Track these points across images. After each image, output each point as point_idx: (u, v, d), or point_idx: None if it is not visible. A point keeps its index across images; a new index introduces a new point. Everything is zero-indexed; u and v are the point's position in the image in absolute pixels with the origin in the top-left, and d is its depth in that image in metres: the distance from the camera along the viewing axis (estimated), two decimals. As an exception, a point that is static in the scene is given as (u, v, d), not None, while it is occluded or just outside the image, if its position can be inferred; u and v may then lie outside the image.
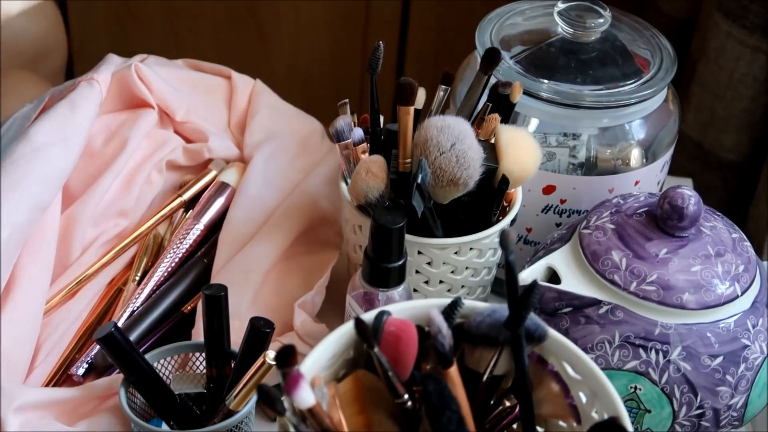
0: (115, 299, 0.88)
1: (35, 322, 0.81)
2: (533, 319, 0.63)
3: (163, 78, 0.97)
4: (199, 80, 1.02)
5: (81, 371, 0.81)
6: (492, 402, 0.66)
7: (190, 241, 0.91)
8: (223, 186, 0.95)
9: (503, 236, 0.60)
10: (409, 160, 0.82)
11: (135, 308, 0.86)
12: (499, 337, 0.62)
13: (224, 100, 1.02)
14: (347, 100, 0.85)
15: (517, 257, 0.60)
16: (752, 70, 1.28)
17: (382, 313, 0.62)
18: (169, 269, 0.89)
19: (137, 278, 0.89)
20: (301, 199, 0.94)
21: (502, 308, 0.63)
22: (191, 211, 0.94)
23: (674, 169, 1.01)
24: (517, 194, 0.84)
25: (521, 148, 0.80)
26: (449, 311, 0.64)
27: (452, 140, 0.76)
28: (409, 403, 0.61)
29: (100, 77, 0.93)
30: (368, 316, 0.63)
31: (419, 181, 0.75)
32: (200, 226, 0.92)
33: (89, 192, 0.90)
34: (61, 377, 0.81)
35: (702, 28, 1.39)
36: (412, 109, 0.80)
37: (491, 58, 0.83)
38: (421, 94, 0.85)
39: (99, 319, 0.86)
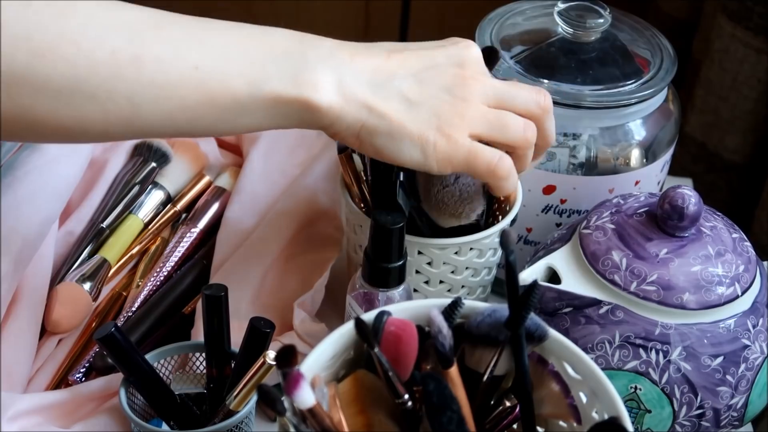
0: (115, 304, 0.88)
1: (35, 333, 0.81)
2: (533, 319, 0.63)
3: None
4: None
5: (79, 376, 0.81)
6: (492, 402, 0.66)
7: (186, 245, 0.91)
8: (219, 190, 0.95)
9: (503, 236, 0.60)
10: None
11: (131, 313, 0.86)
12: (500, 337, 0.62)
13: None
14: None
15: (517, 257, 0.60)
16: (756, 71, 1.28)
17: (382, 313, 0.62)
18: (166, 274, 0.89)
19: (140, 283, 0.89)
20: (300, 194, 0.94)
21: (502, 308, 0.63)
22: (187, 216, 0.94)
23: (678, 171, 1.01)
24: (517, 194, 0.84)
25: None
26: (449, 311, 0.64)
27: (456, 173, 0.76)
28: (410, 403, 0.61)
29: None
30: (368, 316, 0.63)
31: (401, 178, 0.75)
32: (196, 230, 0.92)
33: (86, 202, 0.90)
34: (61, 384, 0.81)
35: (706, 29, 1.39)
36: None
37: (489, 57, 0.82)
38: None
39: (99, 325, 0.86)
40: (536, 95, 0.73)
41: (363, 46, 0.70)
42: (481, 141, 0.70)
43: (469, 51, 0.72)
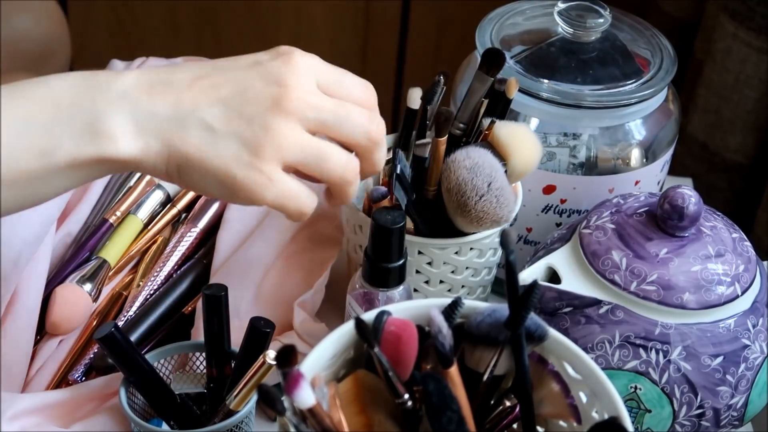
0: (115, 304, 0.88)
1: (31, 333, 0.81)
2: (533, 318, 0.63)
3: None
4: None
5: (78, 375, 0.81)
6: (492, 402, 0.66)
7: (186, 245, 0.91)
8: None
9: (504, 236, 0.60)
10: (434, 188, 0.81)
11: (131, 314, 0.86)
12: (500, 337, 0.62)
13: None
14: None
15: (517, 257, 0.60)
16: (758, 71, 1.28)
17: (382, 313, 0.62)
18: (166, 274, 0.89)
19: (140, 284, 0.89)
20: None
21: (502, 308, 0.63)
22: (187, 216, 0.94)
23: (680, 171, 1.01)
24: (518, 193, 0.84)
25: (521, 143, 0.80)
26: (449, 311, 0.64)
27: (487, 180, 0.75)
28: (409, 403, 0.61)
29: None
30: (368, 316, 0.63)
31: (398, 171, 0.74)
32: (196, 230, 0.92)
33: (82, 203, 0.90)
34: (61, 383, 0.81)
35: (708, 29, 1.39)
36: (445, 139, 0.79)
37: (495, 59, 0.82)
38: (417, 95, 0.84)
39: (99, 325, 0.86)
40: (368, 123, 0.66)
41: (165, 75, 0.64)
42: (296, 172, 0.65)
43: (290, 66, 0.65)
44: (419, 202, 0.81)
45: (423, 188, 0.80)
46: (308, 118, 0.64)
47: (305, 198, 0.65)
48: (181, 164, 0.63)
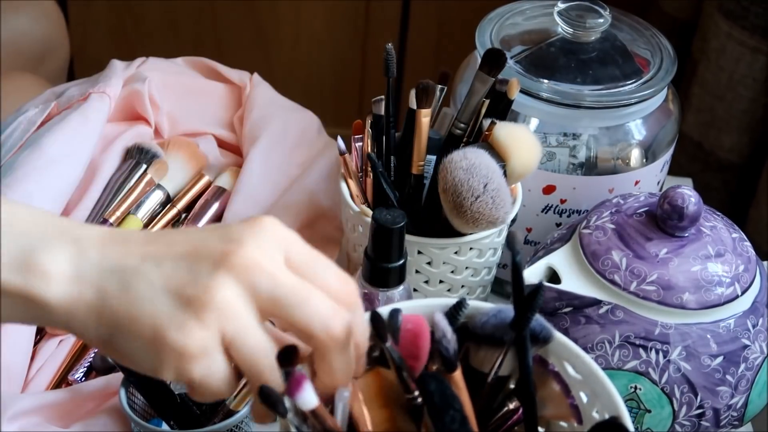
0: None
1: (31, 331, 0.81)
2: (539, 320, 0.63)
3: (165, 93, 0.98)
4: (193, 84, 1.02)
5: (78, 376, 0.81)
6: (495, 405, 0.66)
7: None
8: (219, 190, 0.95)
9: (510, 237, 0.60)
10: (422, 163, 0.81)
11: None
12: (504, 337, 0.62)
13: (220, 101, 1.02)
14: (381, 97, 0.83)
15: (523, 258, 0.60)
16: (752, 71, 1.28)
17: (396, 311, 0.62)
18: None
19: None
20: (300, 194, 0.94)
21: (507, 309, 0.63)
22: (187, 216, 0.94)
23: (674, 170, 1.01)
24: (518, 193, 0.84)
25: (521, 144, 0.80)
26: (454, 312, 0.63)
27: (483, 180, 0.75)
28: (420, 399, 0.61)
29: (111, 91, 0.93)
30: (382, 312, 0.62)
31: (381, 168, 0.74)
32: (196, 230, 0.92)
33: (81, 204, 0.90)
34: (61, 384, 0.81)
35: (703, 28, 1.39)
36: (429, 111, 0.79)
37: (496, 59, 0.82)
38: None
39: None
40: (332, 314, 0.54)
41: (127, 232, 0.55)
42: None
43: (254, 228, 0.54)
44: (413, 202, 0.81)
45: (410, 164, 0.81)
46: (260, 290, 0.52)
47: (225, 388, 0.54)
48: (111, 324, 0.52)
